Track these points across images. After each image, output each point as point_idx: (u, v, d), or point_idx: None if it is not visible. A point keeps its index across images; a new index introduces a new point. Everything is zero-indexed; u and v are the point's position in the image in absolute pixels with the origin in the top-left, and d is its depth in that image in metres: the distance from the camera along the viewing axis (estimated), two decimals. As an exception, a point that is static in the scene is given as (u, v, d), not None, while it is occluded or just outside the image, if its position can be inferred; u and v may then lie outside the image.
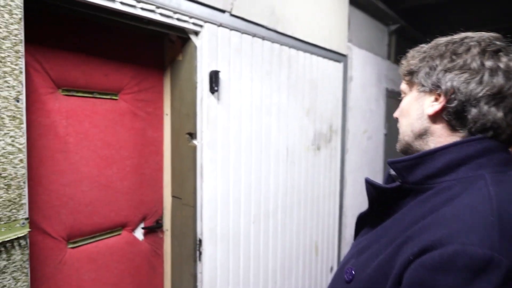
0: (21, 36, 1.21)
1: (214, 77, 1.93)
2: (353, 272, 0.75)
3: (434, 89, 0.76)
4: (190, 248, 2.02)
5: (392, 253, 0.66)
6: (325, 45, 2.87)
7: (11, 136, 1.19)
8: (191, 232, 2.01)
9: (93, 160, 1.76)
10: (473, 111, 0.70)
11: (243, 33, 2.14)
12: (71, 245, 1.71)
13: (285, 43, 2.47)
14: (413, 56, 0.84)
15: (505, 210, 0.60)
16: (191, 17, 1.83)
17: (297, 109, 2.65)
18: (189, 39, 1.92)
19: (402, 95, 0.89)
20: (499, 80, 0.69)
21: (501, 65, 0.70)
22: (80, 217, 1.72)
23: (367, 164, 3.71)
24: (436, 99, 0.76)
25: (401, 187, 0.75)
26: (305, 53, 2.69)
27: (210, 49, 1.95)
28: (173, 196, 2.12)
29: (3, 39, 1.16)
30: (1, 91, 1.16)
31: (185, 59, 1.99)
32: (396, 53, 4.25)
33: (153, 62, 2.04)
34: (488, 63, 0.70)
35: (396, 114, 0.90)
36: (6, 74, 1.17)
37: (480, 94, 0.69)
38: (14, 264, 1.23)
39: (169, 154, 2.12)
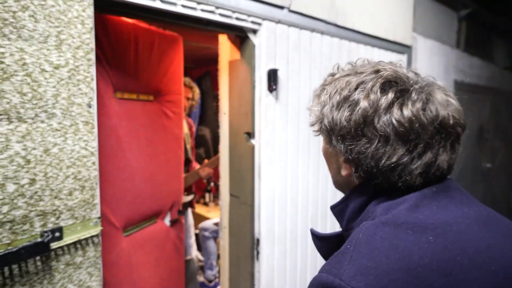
0: (92, 45, 1.27)
1: (272, 76, 1.90)
2: None
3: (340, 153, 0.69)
4: (248, 247, 2.03)
5: None
6: (387, 36, 2.70)
7: (84, 140, 1.26)
8: (249, 231, 2.01)
9: (140, 156, 1.87)
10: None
11: (301, 28, 2.07)
12: (125, 234, 1.83)
13: (345, 37, 2.36)
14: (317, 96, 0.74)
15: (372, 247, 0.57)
16: (249, 16, 1.80)
17: (357, 105, 2.52)
18: (247, 37, 1.90)
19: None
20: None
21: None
22: (133, 208, 1.84)
23: None
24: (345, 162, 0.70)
25: (341, 235, 0.74)
26: (366, 46, 2.55)
27: (268, 47, 1.91)
28: (231, 195, 2.13)
29: (77, 48, 1.22)
30: (75, 98, 1.22)
31: (243, 58, 1.97)
32: (467, 41, 3.88)
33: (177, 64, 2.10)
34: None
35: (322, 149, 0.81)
36: (79, 82, 1.23)
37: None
38: (88, 260, 1.30)
39: (227, 152, 2.13)
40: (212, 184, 4.76)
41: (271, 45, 1.92)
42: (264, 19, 1.87)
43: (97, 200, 1.32)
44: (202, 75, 4.99)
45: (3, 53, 1.04)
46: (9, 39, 1.06)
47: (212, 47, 3.31)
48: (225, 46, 2.07)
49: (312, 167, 2.21)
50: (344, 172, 0.70)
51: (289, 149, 2.07)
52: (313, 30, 2.14)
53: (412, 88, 0.62)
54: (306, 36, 2.10)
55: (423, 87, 0.63)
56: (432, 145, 0.61)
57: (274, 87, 1.90)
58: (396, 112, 0.59)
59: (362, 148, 0.62)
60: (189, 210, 2.77)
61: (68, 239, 1.22)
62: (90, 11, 1.26)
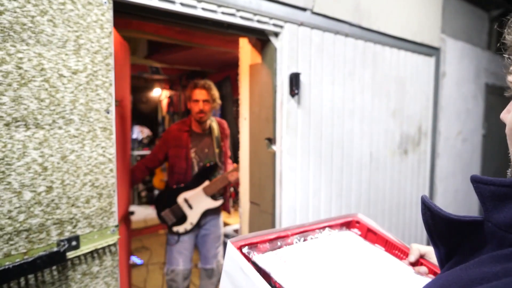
0: (111, 49, 1.24)
1: (294, 80, 1.83)
2: None
3: None
4: (268, 257, 1.96)
5: None
6: (414, 38, 2.59)
7: (102, 147, 1.23)
8: (269, 241, 1.94)
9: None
10: None
11: (324, 31, 2.00)
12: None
13: (369, 39, 2.27)
14: None
15: None
16: (271, 18, 1.75)
17: (382, 110, 2.42)
18: (268, 41, 1.85)
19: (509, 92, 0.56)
20: None
21: None
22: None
23: (461, 170, 3.29)
24: None
25: (478, 224, 0.47)
26: (391, 49, 2.45)
27: (290, 50, 1.85)
28: (251, 202, 2.07)
29: (95, 53, 1.20)
30: (93, 104, 1.20)
31: (264, 61, 1.92)
32: (499, 43, 3.69)
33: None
34: None
35: (504, 117, 0.56)
36: (98, 87, 1.21)
37: None
38: (105, 270, 1.27)
39: (247, 158, 2.08)
40: (232, 189, 4.73)
41: (293, 48, 1.86)
42: (286, 21, 1.81)
43: (115, 208, 1.29)
44: (222, 80, 4.98)
45: (21, 58, 1.03)
46: (27, 44, 1.04)
47: (232, 51, 3.29)
48: (246, 49, 2.02)
49: (336, 175, 2.13)
50: None
51: (312, 157, 1.99)
52: (336, 32, 2.06)
53: None
54: (329, 39, 2.03)
55: None
56: None
57: (296, 91, 1.84)
58: None
59: None
60: (221, 218, 2.70)
61: (85, 248, 1.19)
62: (110, 15, 1.23)
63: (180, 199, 2.45)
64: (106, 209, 1.26)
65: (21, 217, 1.04)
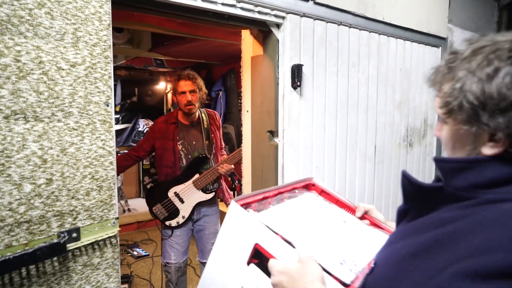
0: (110, 42, 1.24)
1: (296, 72, 1.81)
2: (373, 265, 0.71)
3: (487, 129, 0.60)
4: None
5: (417, 255, 0.61)
6: (421, 28, 2.54)
7: (102, 140, 1.24)
8: (272, 233, 1.94)
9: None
10: None
11: (328, 22, 1.97)
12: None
13: (374, 30, 2.23)
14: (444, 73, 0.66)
15: None
16: (272, 9, 1.72)
17: (387, 102, 2.39)
18: (270, 32, 1.83)
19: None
20: None
21: None
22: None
23: None
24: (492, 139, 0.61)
25: (442, 189, 0.65)
26: (397, 39, 2.41)
27: (293, 42, 1.83)
28: (253, 195, 2.07)
29: (94, 45, 1.19)
30: (92, 96, 1.20)
31: (266, 53, 1.90)
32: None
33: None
34: None
35: (438, 135, 0.73)
36: (96, 80, 1.21)
37: None
38: (106, 261, 1.29)
39: (249, 151, 2.07)
40: (236, 182, 4.74)
41: (295, 39, 1.84)
42: (288, 12, 1.78)
43: (115, 201, 1.29)
44: (227, 72, 4.97)
45: (19, 51, 1.03)
46: (25, 37, 1.04)
47: (236, 43, 3.26)
48: (247, 41, 2.01)
49: (339, 168, 2.11)
50: (489, 152, 0.61)
51: (315, 149, 1.98)
52: (340, 23, 2.03)
53: None
54: (333, 30, 2.00)
55: None
56: None
57: (298, 83, 1.82)
58: None
59: None
60: (217, 213, 2.65)
61: (85, 240, 1.20)
62: (108, 7, 1.23)
63: (171, 193, 2.44)
64: (106, 201, 1.27)
65: (22, 209, 1.05)
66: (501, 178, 0.59)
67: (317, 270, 0.72)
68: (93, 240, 1.23)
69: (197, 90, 2.42)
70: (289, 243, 0.78)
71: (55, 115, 1.11)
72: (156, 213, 2.47)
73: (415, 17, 2.48)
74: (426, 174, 2.81)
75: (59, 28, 1.11)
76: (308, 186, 1.18)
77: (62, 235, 1.13)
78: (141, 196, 6.03)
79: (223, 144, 2.77)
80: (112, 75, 1.26)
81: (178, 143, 2.45)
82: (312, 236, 0.85)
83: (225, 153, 2.73)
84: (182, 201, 2.45)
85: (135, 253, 4.26)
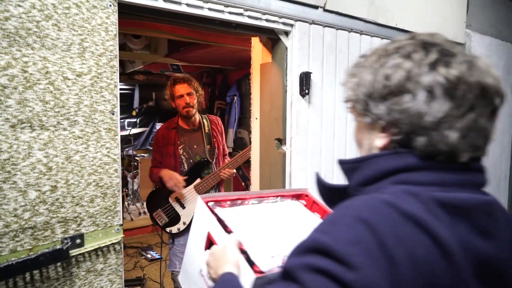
0: (116, 52, 1.26)
1: (304, 79, 1.80)
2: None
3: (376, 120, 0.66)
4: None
5: None
6: (436, 34, 2.47)
7: (107, 148, 1.26)
8: (279, 242, 1.93)
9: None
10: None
11: (338, 28, 1.95)
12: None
13: (386, 36, 2.19)
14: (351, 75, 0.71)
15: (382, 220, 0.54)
16: (280, 17, 1.72)
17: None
18: (279, 39, 1.82)
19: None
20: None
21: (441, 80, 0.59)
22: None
23: (488, 171, 3.12)
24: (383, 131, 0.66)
25: (345, 189, 0.71)
26: (411, 46, 2.35)
27: (301, 49, 1.82)
28: (261, 202, 2.06)
29: (100, 55, 1.22)
30: (98, 105, 1.22)
31: (274, 61, 1.90)
32: (532, 37, 3.47)
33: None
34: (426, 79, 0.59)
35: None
36: (102, 89, 1.23)
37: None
38: (110, 267, 1.30)
39: (257, 158, 2.07)
40: (250, 186, 4.74)
41: (304, 47, 1.82)
42: (296, 20, 1.77)
43: (119, 208, 1.31)
44: (241, 77, 4.99)
45: (26, 62, 1.06)
46: (32, 48, 1.07)
47: (249, 49, 3.28)
48: (257, 49, 2.01)
49: (348, 175, 2.08)
50: (380, 143, 0.65)
51: (323, 156, 1.95)
52: (351, 30, 2.00)
53: (456, 51, 0.61)
54: (343, 37, 1.98)
55: (466, 54, 0.62)
56: (475, 106, 0.59)
57: (306, 91, 1.81)
58: (442, 69, 0.59)
59: (406, 105, 0.60)
60: None
61: (89, 246, 1.23)
62: (114, 18, 1.25)
63: (172, 198, 2.42)
64: (111, 208, 1.29)
65: (26, 215, 1.08)
66: (373, 176, 0.64)
67: (235, 254, 0.78)
68: (97, 246, 1.25)
69: (194, 92, 2.41)
70: (230, 233, 0.88)
71: (61, 124, 1.14)
72: (156, 219, 2.45)
73: (430, 22, 2.42)
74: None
75: (65, 39, 1.14)
76: (301, 196, 1.20)
77: (66, 241, 1.16)
78: (157, 199, 6.10)
79: (227, 150, 2.75)
80: (117, 84, 1.28)
81: (179, 147, 2.44)
82: (261, 232, 0.91)
83: (228, 158, 2.71)
84: (183, 206, 2.42)
85: (148, 256, 4.32)
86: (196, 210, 1.00)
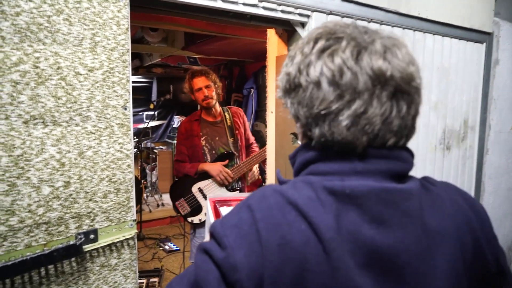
0: (128, 46, 1.25)
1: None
2: None
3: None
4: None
5: None
6: (462, 23, 2.35)
7: (119, 143, 1.25)
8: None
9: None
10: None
11: (357, 19, 1.87)
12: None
13: (408, 26, 2.10)
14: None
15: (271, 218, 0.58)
16: (296, 8, 1.66)
17: (422, 103, 2.24)
18: (295, 31, 1.77)
19: None
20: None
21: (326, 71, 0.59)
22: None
23: (496, 176, 2.99)
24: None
25: None
26: (434, 36, 2.25)
27: (318, 41, 1.75)
28: (277, 198, 2.03)
29: (111, 50, 1.20)
30: (110, 100, 1.21)
31: (290, 53, 1.84)
32: None
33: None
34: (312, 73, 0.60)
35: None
36: (114, 84, 1.22)
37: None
38: (124, 262, 1.31)
39: (273, 153, 2.03)
40: (266, 180, 4.71)
41: (321, 38, 1.76)
42: (313, 10, 1.71)
43: (133, 203, 1.31)
44: (258, 69, 4.94)
45: (38, 57, 1.06)
46: (44, 43, 1.07)
47: (266, 41, 3.22)
48: (273, 41, 1.96)
49: (366, 171, 2.01)
50: (301, 139, 0.69)
51: (340, 152, 1.90)
52: (370, 20, 1.92)
53: (344, 36, 0.61)
54: (362, 27, 1.90)
55: (361, 37, 0.61)
56: (361, 93, 0.58)
57: (323, 84, 1.74)
58: (326, 59, 0.59)
59: (300, 98, 0.62)
60: None
61: (102, 242, 1.23)
62: (126, 11, 1.23)
63: (195, 188, 2.45)
64: (124, 203, 1.28)
65: (40, 210, 1.09)
66: (298, 167, 0.66)
67: None
68: (111, 242, 1.25)
69: (212, 84, 2.45)
70: None
71: (73, 119, 1.14)
72: (178, 208, 2.50)
73: (455, 11, 2.30)
74: (465, 179, 2.62)
75: (77, 34, 1.13)
76: None
77: (80, 236, 1.16)
78: (175, 191, 6.17)
79: (253, 138, 2.75)
80: (130, 78, 1.26)
81: (202, 138, 2.48)
82: None
83: (257, 148, 2.72)
84: (205, 197, 2.46)
85: (166, 247, 4.38)
86: (207, 210, 1.04)
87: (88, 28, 1.15)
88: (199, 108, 2.59)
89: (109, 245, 1.26)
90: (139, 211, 4.53)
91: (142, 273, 3.51)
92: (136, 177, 4.67)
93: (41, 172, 1.08)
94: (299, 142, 1.91)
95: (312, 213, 0.56)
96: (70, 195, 1.15)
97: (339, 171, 0.60)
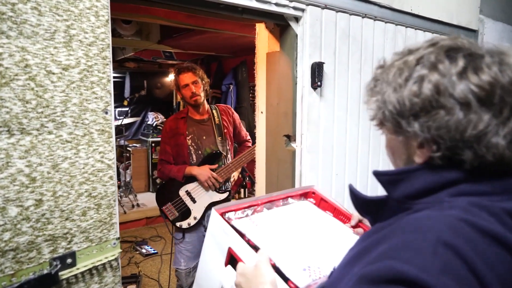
0: (108, 40, 1.08)
1: (317, 70, 1.64)
2: (332, 270, 0.73)
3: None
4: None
5: (355, 259, 0.62)
6: (451, 20, 2.32)
7: (100, 152, 1.09)
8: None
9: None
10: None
11: (351, 14, 1.78)
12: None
13: (401, 22, 2.03)
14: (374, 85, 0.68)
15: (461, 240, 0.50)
16: (291, 1, 1.54)
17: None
18: (288, 26, 1.65)
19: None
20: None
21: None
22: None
23: None
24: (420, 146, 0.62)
25: (386, 201, 0.66)
26: (425, 33, 2.20)
27: (313, 37, 1.65)
28: (268, 203, 1.92)
29: (89, 45, 1.04)
30: (89, 103, 1.05)
31: (283, 49, 1.73)
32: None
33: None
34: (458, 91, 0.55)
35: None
36: (93, 84, 1.06)
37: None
38: (106, 287, 1.15)
39: (263, 156, 1.92)
40: (247, 179, 4.60)
41: (316, 34, 1.65)
42: (308, 4, 1.60)
43: (116, 219, 1.15)
44: (238, 65, 4.79)
45: (0, 53, 0.88)
46: (7, 36, 0.89)
47: (247, 36, 3.09)
48: (262, 36, 1.83)
49: (360, 174, 1.94)
50: (419, 159, 0.62)
51: (335, 154, 1.81)
52: (365, 15, 1.84)
53: (482, 52, 0.57)
54: (356, 23, 1.81)
55: (493, 51, 0.57)
56: None
57: (319, 83, 1.65)
58: (472, 77, 0.54)
59: (442, 121, 0.56)
60: None
61: (82, 266, 1.07)
62: (106, 1, 1.07)
63: (182, 192, 2.32)
64: (106, 220, 1.13)
65: (6, 235, 0.92)
66: (426, 188, 0.60)
67: (269, 273, 0.74)
68: (91, 265, 1.09)
69: (199, 80, 2.31)
70: (255, 247, 0.84)
71: (45, 127, 0.97)
72: (166, 213, 2.36)
73: (446, 8, 2.26)
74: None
75: (48, 26, 0.95)
76: (308, 194, 1.19)
77: (54, 263, 1.00)
78: (150, 190, 5.94)
79: (247, 134, 2.63)
80: (111, 78, 1.10)
81: (188, 137, 2.33)
82: (284, 242, 0.90)
83: (249, 144, 2.59)
84: (194, 200, 2.33)
85: (143, 250, 4.17)
86: (211, 222, 0.95)
87: (62, 19, 0.98)
88: (186, 106, 2.43)
89: (90, 269, 1.10)
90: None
91: (119, 280, 3.31)
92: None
93: (6, 191, 0.91)
94: (294, 146, 1.82)
95: (510, 241, 0.50)
96: (43, 215, 0.98)
97: (505, 190, 0.56)
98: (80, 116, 1.03)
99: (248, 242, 0.85)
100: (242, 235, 0.88)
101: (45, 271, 0.96)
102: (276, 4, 1.51)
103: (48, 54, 0.96)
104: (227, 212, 0.96)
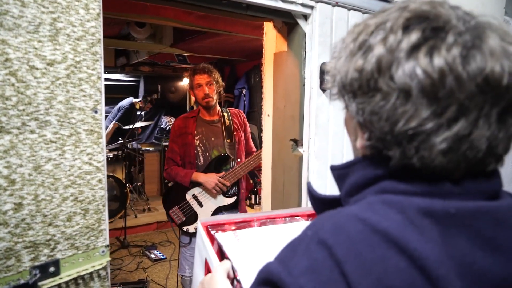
0: (99, 35, 1.02)
1: (326, 72, 1.54)
2: None
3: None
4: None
5: None
6: (473, 20, 2.18)
7: (88, 154, 1.02)
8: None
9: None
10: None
11: (364, 12, 1.68)
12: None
13: (419, 22, 1.91)
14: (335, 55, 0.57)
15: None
16: (299, -3, 1.46)
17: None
18: (296, 24, 1.56)
19: None
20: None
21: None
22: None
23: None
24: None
25: (338, 200, 0.60)
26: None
27: (322, 36, 1.55)
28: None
29: (78, 39, 0.98)
30: (76, 101, 0.99)
31: (291, 49, 1.64)
32: None
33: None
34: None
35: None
36: (82, 81, 0.99)
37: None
38: (93, 298, 1.08)
39: (269, 161, 1.82)
40: (259, 184, 4.50)
41: (325, 33, 1.56)
42: (318, 1, 1.51)
43: (105, 225, 1.08)
44: (251, 69, 4.73)
45: (-22, 46, 0.83)
46: (-13, 28, 0.83)
47: (260, 38, 3.02)
48: (270, 36, 1.75)
49: (373, 181, 1.82)
50: (359, 144, 0.55)
51: (345, 160, 1.70)
52: (379, 14, 1.73)
53: (450, 26, 0.45)
54: (370, 22, 1.71)
55: (470, 27, 0.45)
56: (468, 110, 0.44)
57: (328, 85, 1.54)
58: (422, 58, 0.44)
59: (376, 106, 0.47)
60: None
61: (65, 275, 1.00)
62: (97, -8, 1.01)
63: (189, 195, 2.26)
64: (94, 227, 1.05)
65: (-18, 241, 0.86)
66: (358, 184, 0.53)
67: (222, 283, 0.70)
68: (76, 275, 1.02)
69: (214, 83, 2.28)
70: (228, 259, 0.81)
71: (27, 125, 0.91)
72: (173, 217, 2.31)
73: (467, 8, 2.13)
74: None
75: (32, 18, 0.89)
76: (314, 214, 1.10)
77: (34, 272, 0.93)
78: (160, 194, 5.92)
79: (253, 146, 2.55)
80: (102, 75, 1.04)
81: (196, 137, 2.28)
82: (259, 258, 0.82)
83: (254, 150, 2.52)
84: (201, 204, 2.27)
85: (152, 255, 4.13)
86: (197, 234, 0.93)
87: (47, 11, 0.92)
88: (198, 106, 2.39)
89: (75, 278, 1.02)
90: (124, 217, 4.27)
91: (126, 285, 3.27)
92: (120, 180, 4.43)
93: (-18, 193, 0.85)
94: (301, 151, 1.69)
95: (411, 245, 0.42)
96: (23, 220, 0.92)
97: (429, 192, 0.47)
98: (66, 114, 0.97)
99: (223, 254, 0.82)
100: (220, 246, 0.84)
101: (22, 281, 0.89)
102: (283, 1, 1.43)
103: (31, 48, 0.90)
104: (213, 225, 0.92)
